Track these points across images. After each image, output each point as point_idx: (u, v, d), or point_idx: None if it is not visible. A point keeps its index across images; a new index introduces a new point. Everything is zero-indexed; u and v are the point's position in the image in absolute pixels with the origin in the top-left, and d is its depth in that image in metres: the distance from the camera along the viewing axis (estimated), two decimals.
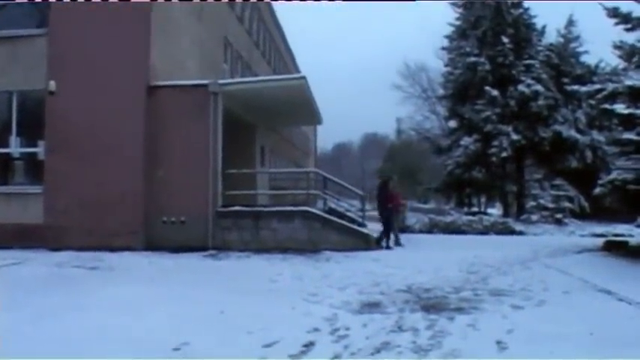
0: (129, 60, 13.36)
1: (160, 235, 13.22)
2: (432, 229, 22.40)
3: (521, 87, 29.35)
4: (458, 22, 34.15)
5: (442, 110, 39.42)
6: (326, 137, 76.18)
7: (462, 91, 32.19)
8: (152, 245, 13.02)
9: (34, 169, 13.77)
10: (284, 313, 6.38)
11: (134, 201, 13.14)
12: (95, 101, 13.28)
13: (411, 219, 23.34)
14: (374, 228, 15.21)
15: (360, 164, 78.17)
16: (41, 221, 13.22)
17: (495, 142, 29.14)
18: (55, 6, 13.53)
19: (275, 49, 31.05)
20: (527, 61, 30.61)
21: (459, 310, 6.71)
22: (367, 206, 18.12)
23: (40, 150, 13.68)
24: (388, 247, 14.32)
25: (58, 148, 13.27)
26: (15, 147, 13.93)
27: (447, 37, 34.77)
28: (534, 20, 32.77)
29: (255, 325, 5.70)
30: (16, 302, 6.68)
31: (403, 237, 16.26)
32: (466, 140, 30.74)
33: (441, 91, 37.73)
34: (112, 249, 12.42)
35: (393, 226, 15.04)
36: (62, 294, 7.37)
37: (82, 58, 13.39)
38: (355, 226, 14.12)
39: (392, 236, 14.88)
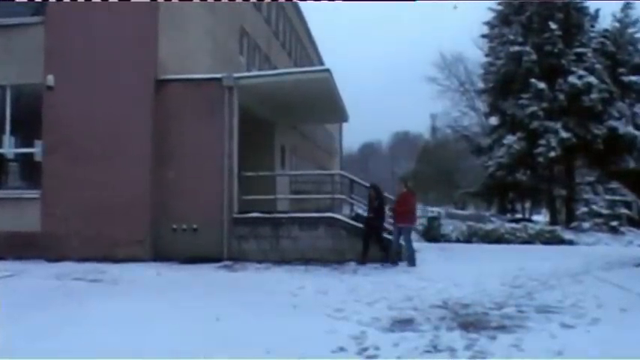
0: (135, 52, 13.47)
1: (170, 244, 13.32)
2: (470, 237, 22.24)
3: (571, 79, 29.03)
4: (499, 7, 33.92)
5: (482, 105, 39.22)
6: (352, 136, 76.37)
7: (504, 83, 31.95)
8: (160, 255, 13.12)
9: (31, 171, 13.93)
10: (307, 331, 6.38)
11: (141, 207, 13.26)
12: (98, 97, 13.42)
13: (448, 227, 23.21)
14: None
15: (390, 166, 78.03)
16: (38, 229, 13.36)
17: (542, 141, 28.86)
18: None
19: (296, 39, 31.16)
20: (579, 50, 30.27)
21: (502, 328, 6.64)
22: None
23: (36, 150, 13.87)
24: (362, 263, 12.82)
25: (57, 149, 13.41)
26: (9, 147, 14.13)
27: (488, 23, 34.56)
28: (586, 3, 32.43)
29: (276, 344, 5.72)
30: (11, 318, 6.79)
31: (437, 247, 16.17)
32: (509, 139, 30.49)
33: (480, 84, 37.55)
34: (117, 260, 12.54)
35: (372, 237, 13.23)
36: (61, 309, 7.48)
37: (83, 50, 13.52)
38: (385, 235, 14.05)
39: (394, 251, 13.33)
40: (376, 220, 13.38)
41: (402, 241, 13.22)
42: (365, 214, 14.83)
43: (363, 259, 12.91)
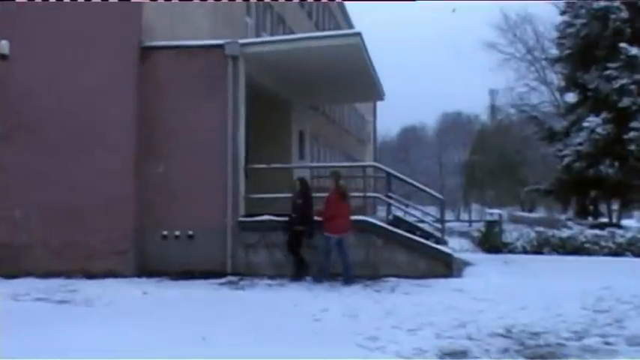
0: (114, 12, 13.53)
1: (159, 255, 13.44)
2: (540, 247, 22.05)
3: None
4: None
5: (555, 78, 38.86)
6: (389, 119, 76.06)
7: (585, 49, 31.62)
8: (147, 269, 13.28)
9: None
10: None
11: (122, 208, 13.38)
12: (66, 69, 13.58)
13: (511, 233, 23.05)
14: (458, 245, 15.05)
15: (438, 156, 77.77)
16: None
17: (635, 124, 28.52)
18: None
19: None
20: None
21: None
22: (448, 215, 17.97)
23: None
24: (297, 277, 13.03)
25: (14, 135, 13.58)
26: None
27: None
28: None
29: None
30: None
31: (497, 258, 15.92)
32: (591, 121, 30.17)
33: (554, 51, 37.19)
34: (92, 275, 12.69)
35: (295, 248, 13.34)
36: (20, 337, 7.48)
37: (47, 9, 13.58)
38: (431, 244, 14.02)
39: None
40: (300, 223, 13.15)
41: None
42: (404, 216, 14.85)
43: (297, 274, 13.01)
